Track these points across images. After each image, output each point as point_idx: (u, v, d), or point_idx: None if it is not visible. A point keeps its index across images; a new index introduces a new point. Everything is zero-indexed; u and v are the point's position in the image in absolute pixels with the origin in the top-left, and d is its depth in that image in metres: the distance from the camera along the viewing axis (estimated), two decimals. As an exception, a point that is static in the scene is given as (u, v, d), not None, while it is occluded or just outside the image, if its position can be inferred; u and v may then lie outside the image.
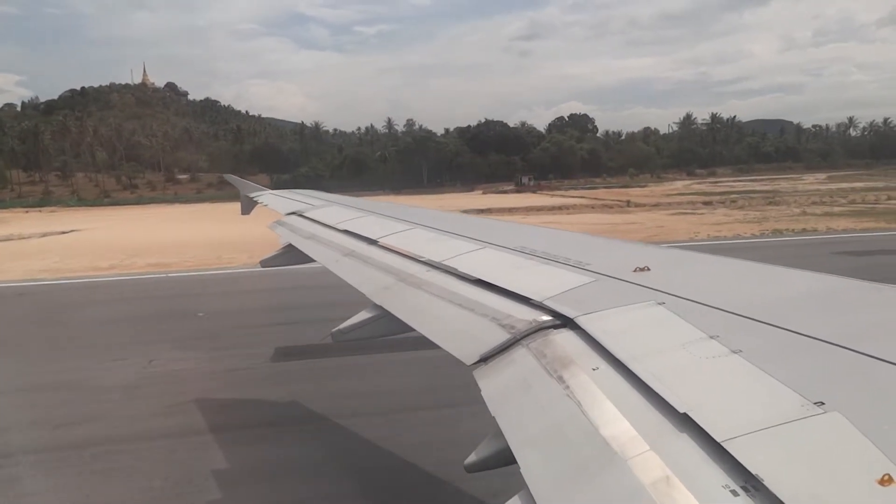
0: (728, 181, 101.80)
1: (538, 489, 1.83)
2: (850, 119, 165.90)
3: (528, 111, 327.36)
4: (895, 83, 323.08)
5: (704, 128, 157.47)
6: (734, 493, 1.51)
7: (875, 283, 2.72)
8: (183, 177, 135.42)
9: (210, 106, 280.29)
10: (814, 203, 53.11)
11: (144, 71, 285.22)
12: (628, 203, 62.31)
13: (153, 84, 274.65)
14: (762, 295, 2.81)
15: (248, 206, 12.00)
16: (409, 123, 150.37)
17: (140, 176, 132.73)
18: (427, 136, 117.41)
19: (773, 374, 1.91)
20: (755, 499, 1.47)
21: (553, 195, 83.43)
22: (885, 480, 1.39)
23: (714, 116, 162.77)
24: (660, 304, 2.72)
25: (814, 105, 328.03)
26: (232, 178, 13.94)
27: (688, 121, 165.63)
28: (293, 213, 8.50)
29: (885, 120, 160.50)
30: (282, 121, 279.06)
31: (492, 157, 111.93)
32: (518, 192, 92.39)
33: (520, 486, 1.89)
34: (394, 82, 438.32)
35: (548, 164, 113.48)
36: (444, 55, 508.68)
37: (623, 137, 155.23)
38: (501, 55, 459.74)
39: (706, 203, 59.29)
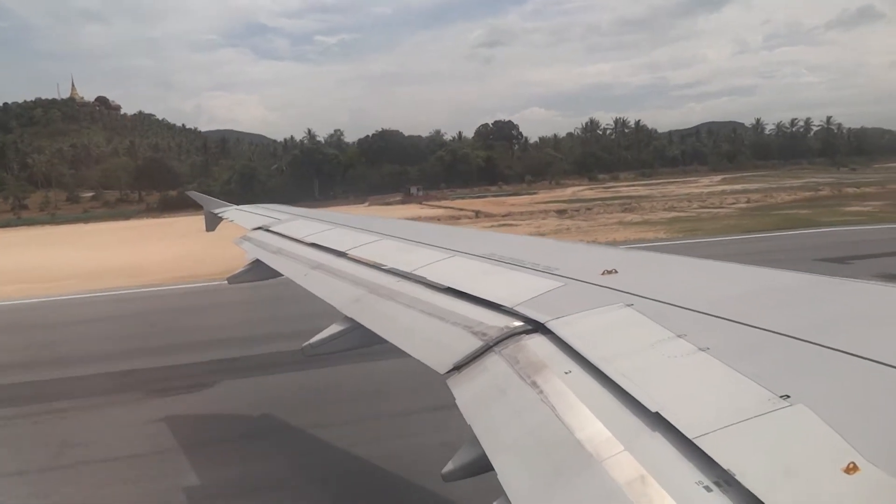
0: (620, 186, 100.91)
1: (515, 494, 1.85)
2: (793, 120, 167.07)
3: (490, 117, 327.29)
4: (843, 84, 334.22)
5: (608, 132, 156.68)
6: (707, 488, 1.54)
7: (833, 277, 2.82)
8: (87, 195, 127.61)
9: (143, 120, 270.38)
10: (665, 209, 52.34)
11: (73, 85, 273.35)
12: (477, 214, 59.30)
13: (82, 98, 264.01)
14: (727, 293, 2.86)
15: (213, 222, 11.69)
16: (312, 134, 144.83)
17: (28, 195, 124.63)
18: (315, 147, 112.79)
19: (739, 370, 1.97)
20: (728, 493, 1.51)
21: (431, 205, 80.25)
22: (850, 468, 1.44)
23: (618, 121, 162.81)
24: (628, 305, 2.77)
25: (767, 106, 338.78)
26: (195, 194, 13.66)
27: (591, 126, 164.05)
28: (259, 228, 8.43)
29: (829, 118, 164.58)
30: (241, 132, 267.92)
31: (385, 168, 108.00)
32: (404, 203, 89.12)
33: (498, 492, 1.91)
34: (356, 91, 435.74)
35: (441, 173, 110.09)
36: (406, 63, 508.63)
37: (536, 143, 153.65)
38: (464, 62, 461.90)
39: (560, 211, 57.56)
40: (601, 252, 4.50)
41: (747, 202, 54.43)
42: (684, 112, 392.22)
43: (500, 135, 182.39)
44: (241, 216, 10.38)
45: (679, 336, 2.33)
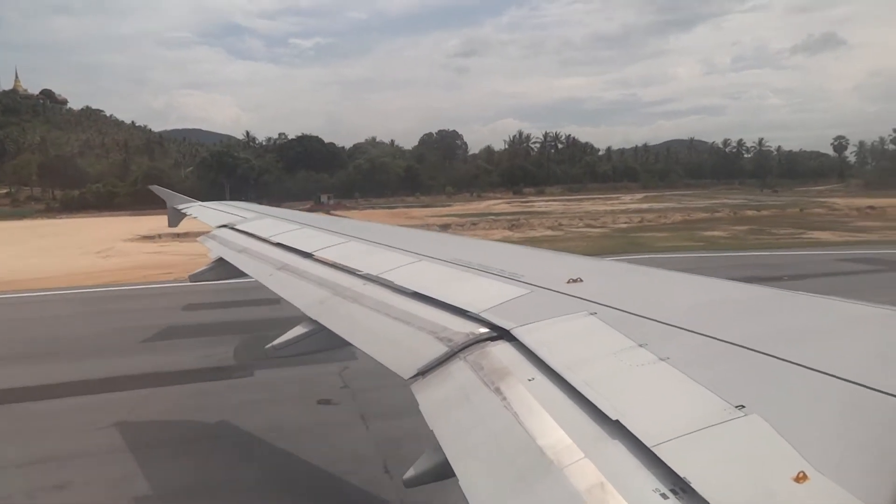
0: (539, 201, 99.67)
1: (477, 500, 1.86)
2: (725, 141, 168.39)
3: (465, 127, 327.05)
4: (805, 107, 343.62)
5: (536, 146, 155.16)
6: (664, 496, 1.57)
7: (788, 291, 2.90)
8: (2, 191, 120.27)
9: (90, 115, 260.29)
10: (551, 227, 52.32)
11: (16, 76, 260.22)
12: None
13: (25, 91, 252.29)
14: (687, 304, 2.91)
15: (176, 218, 11.58)
16: (251, 137, 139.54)
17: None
18: (225, 151, 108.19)
19: (697, 380, 2.01)
20: (683, 501, 1.53)
21: (334, 215, 76.94)
22: (800, 478, 1.48)
23: (546, 135, 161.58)
24: (592, 314, 2.80)
25: (734, 126, 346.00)
26: (158, 189, 13.28)
27: (518, 139, 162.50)
28: (224, 226, 8.30)
29: (761, 140, 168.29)
30: (212, 133, 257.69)
31: (300, 175, 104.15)
32: (311, 210, 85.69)
33: (459, 498, 1.91)
34: (331, 96, 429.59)
35: (359, 181, 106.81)
36: (382, 69, 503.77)
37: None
38: (439, 71, 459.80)
39: (444, 225, 55.67)
40: (567, 260, 4.41)
41: (628, 223, 54.33)
42: (654, 129, 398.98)
43: (444, 144, 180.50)
44: (205, 213, 10.17)
45: (640, 345, 2.36)
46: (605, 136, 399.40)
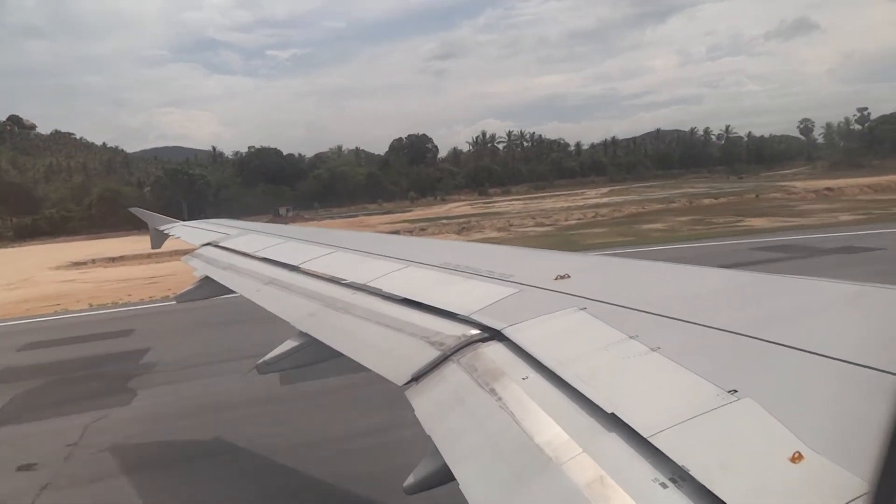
0: (503, 201, 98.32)
1: (478, 503, 1.87)
2: (692, 129, 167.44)
3: (447, 129, 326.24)
4: (782, 92, 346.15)
5: (501, 146, 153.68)
6: (663, 485, 1.58)
7: (777, 275, 2.90)
8: None
9: (59, 139, 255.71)
10: (499, 228, 51.58)
11: None
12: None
13: None
14: (675, 293, 2.91)
15: (159, 239, 11.53)
16: (217, 152, 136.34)
17: None
18: (179, 168, 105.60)
19: (689, 368, 2.02)
20: (682, 489, 1.55)
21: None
22: (795, 458, 1.50)
23: (511, 134, 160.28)
24: (581, 309, 2.80)
25: (713, 114, 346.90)
26: (140, 211, 13.12)
27: (483, 139, 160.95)
28: (208, 244, 8.26)
29: (727, 127, 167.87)
30: (192, 149, 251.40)
31: (259, 188, 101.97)
32: (272, 223, 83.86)
33: (460, 501, 1.91)
34: (311, 106, 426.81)
35: (320, 191, 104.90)
36: (360, 77, 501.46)
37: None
38: (418, 75, 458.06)
39: (393, 232, 53.89)
40: (554, 257, 4.36)
41: (581, 219, 53.43)
42: (634, 121, 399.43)
43: (414, 148, 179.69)
44: (188, 232, 10.14)
45: (631, 337, 2.37)
46: (586, 132, 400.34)
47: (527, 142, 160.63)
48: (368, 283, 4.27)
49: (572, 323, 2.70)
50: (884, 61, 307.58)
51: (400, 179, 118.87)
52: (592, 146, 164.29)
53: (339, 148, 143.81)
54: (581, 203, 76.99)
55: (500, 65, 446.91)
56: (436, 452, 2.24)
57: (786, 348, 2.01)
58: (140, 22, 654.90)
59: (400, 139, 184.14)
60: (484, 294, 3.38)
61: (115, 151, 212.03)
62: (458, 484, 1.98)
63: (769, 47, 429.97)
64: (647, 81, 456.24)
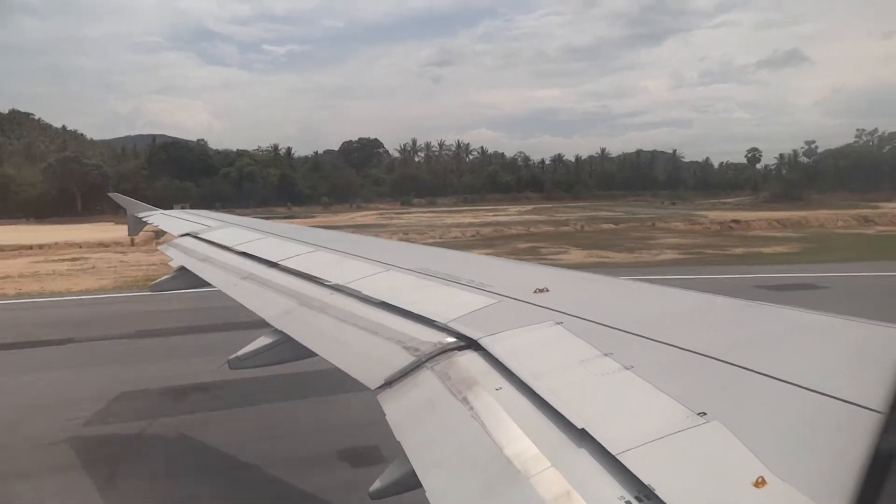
0: (414, 213, 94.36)
1: None
2: (638, 151, 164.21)
3: (439, 136, 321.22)
4: (770, 121, 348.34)
5: (420, 158, 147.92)
6: (629, 503, 1.59)
7: (748, 301, 2.93)
8: None
9: (14, 119, 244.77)
10: None
11: None
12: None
13: None
14: (651, 313, 2.96)
15: (136, 226, 11.34)
16: (156, 143, 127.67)
17: None
18: (72, 157, 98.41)
19: (661, 388, 2.04)
20: None
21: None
22: (759, 483, 1.52)
23: (442, 145, 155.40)
24: (558, 323, 2.82)
25: (701, 139, 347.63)
26: (118, 196, 12.89)
27: (411, 148, 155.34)
28: (187, 235, 8.22)
29: (674, 151, 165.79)
30: (180, 139, 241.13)
31: (161, 182, 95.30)
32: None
33: None
34: (306, 103, 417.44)
35: (227, 190, 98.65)
36: (356, 78, 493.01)
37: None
38: (414, 80, 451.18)
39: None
40: (534, 270, 4.45)
41: (458, 237, 50.36)
42: (626, 140, 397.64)
43: (364, 152, 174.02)
44: (167, 221, 10.02)
45: (606, 354, 2.38)
46: (576, 147, 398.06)
47: (471, 154, 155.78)
48: (347, 284, 4.25)
49: (548, 337, 2.72)
50: (870, 96, 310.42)
51: (318, 183, 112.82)
52: (542, 162, 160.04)
53: (276, 146, 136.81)
54: (487, 220, 72.17)
55: (495, 75, 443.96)
56: (404, 458, 2.23)
57: (756, 374, 2.04)
58: (135, 6, 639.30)
59: (350, 141, 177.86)
60: (462, 302, 3.38)
61: (74, 136, 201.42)
62: (425, 491, 1.96)
63: (760, 76, 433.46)
64: (639, 102, 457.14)
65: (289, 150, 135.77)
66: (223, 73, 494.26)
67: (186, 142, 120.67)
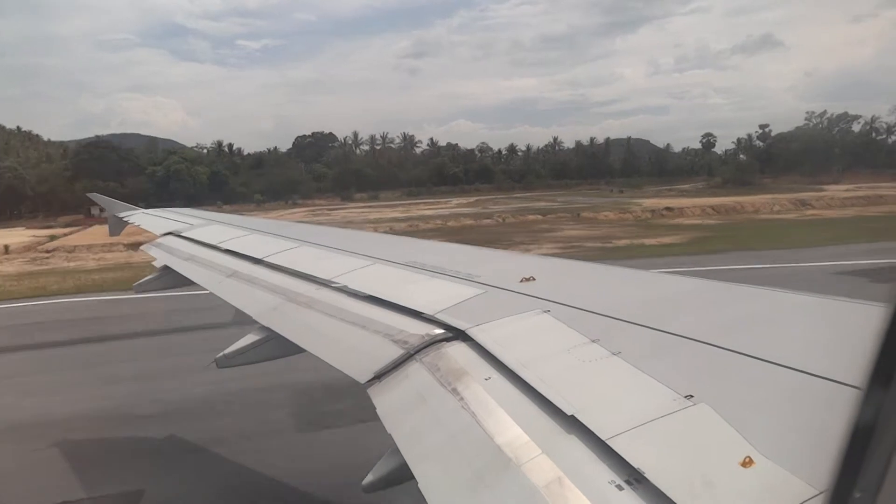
0: (353, 207, 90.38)
1: (436, 502, 1.87)
2: (592, 139, 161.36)
3: (418, 128, 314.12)
4: (746, 106, 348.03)
5: (364, 152, 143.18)
6: (619, 487, 1.61)
7: (731, 283, 2.93)
8: None
9: None
10: None
11: None
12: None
13: None
14: (636, 298, 2.96)
15: (118, 226, 11.17)
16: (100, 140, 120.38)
17: None
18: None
19: (648, 373, 2.06)
20: (637, 491, 1.58)
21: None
22: (746, 462, 1.55)
23: (385, 137, 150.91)
24: (545, 312, 2.82)
25: (678, 125, 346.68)
26: (98, 196, 12.78)
27: (354, 140, 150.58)
28: (170, 234, 8.14)
29: (629, 138, 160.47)
30: (156, 138, 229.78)
31: (79, 185, 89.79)
32: (82, 223, 72.46)
33: (419, 501, 1.91)
34: (280, 98, 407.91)
35: (154, 190, 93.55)
36: (332, 71, 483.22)
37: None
38: (391, 72, 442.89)
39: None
40: (520, 259, 4.51)
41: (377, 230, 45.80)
42: (603, 128, 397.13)
43: (317, 147, 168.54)
44: (148, 221, 9.94)
45: (593, 341, 2.39)
46: (552, 136, 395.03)
47: (420, 146, 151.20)
48: (333, 279, 4.23)
49: (535, 325, 2.72)
50: (841, 80, 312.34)
51: (255, 180, 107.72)
52: (499, 152, 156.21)
53: (220, 143, 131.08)
54: (415, 214, 68.62)
55: (472, 66, 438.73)
56: (395, 451, 2.23)
57: (742, 356, 2.06)
58: (104, 4, 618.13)
59: (304, 136, 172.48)
60: (449, 294, 3.37)
61: (27, 136, 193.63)
62: (418, 483, 1.97)
63: (734, 62, 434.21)
64: (616, 89, 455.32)
65: (230, 146, 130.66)
66: (197, 70, 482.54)
67: (109, 141, 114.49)
